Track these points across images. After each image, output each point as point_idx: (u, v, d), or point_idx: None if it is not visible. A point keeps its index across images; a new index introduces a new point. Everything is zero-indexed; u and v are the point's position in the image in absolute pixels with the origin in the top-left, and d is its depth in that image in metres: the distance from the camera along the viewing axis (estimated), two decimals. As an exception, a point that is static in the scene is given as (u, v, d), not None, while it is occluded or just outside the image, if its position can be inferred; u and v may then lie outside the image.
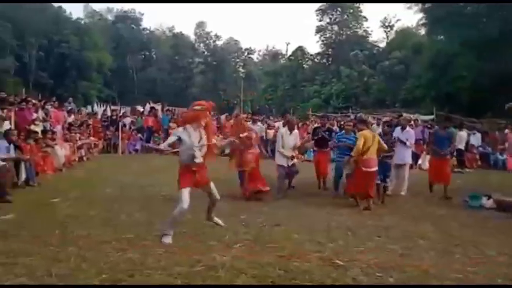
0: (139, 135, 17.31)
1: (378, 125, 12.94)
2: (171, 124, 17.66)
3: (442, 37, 31.16)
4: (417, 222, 6.33)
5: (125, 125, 17.44)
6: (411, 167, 10.31)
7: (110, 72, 48.37)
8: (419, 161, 13.68)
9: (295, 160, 8.51)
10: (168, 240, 4.76)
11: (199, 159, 4.86)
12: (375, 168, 7.15)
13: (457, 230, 5.89)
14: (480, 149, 15.82)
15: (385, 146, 7.42)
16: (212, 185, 5.14)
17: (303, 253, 4.52)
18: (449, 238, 5.40)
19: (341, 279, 3.83)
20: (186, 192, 4.75)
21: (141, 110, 20.98)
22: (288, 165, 8.21)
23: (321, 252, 4.59)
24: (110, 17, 59.09)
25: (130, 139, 17.09)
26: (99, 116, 19.14)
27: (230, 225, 5.56)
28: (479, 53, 24.93)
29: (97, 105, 25.41)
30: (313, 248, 4.74)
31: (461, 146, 13.92)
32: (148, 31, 60.89)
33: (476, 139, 15.86)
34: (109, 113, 19.88)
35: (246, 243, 4.83)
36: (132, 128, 17.61)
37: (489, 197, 7.69)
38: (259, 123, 10.49)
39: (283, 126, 9.10)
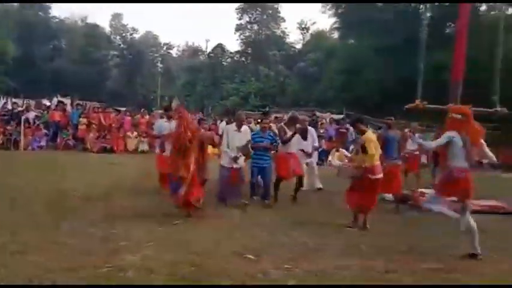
0: (45, 130, 16.11)
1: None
2: (81, 119, 16.66)
3: (353, 41, 32.94)
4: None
5: (28, 120, 16.10)
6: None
7: (12, 62, 44.35)
8: (329, 158, 14.29)
9: (241, 163, 7.25)
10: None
11: None
12: (382, 175, 6.16)
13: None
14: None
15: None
16: None
17: (216, 251, 4.53)
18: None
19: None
20: None
21: (48, 103, 19.52)
22: (232, 167, 7.06)
23: (233, 247, 4.64)
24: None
25: (34, 135, 15.82)
26: (-3, 110, 17.47)
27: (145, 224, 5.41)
28: (386, 58, 26.63)
29: (-4, 97, 23.12)
30: (230, 247, 4.77)
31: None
32: (58, 19, 56.92)
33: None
34: (10, 106, 18.22)
35: (158, 242, 4.72)
36: (37, 122, 16.31)
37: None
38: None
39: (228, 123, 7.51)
